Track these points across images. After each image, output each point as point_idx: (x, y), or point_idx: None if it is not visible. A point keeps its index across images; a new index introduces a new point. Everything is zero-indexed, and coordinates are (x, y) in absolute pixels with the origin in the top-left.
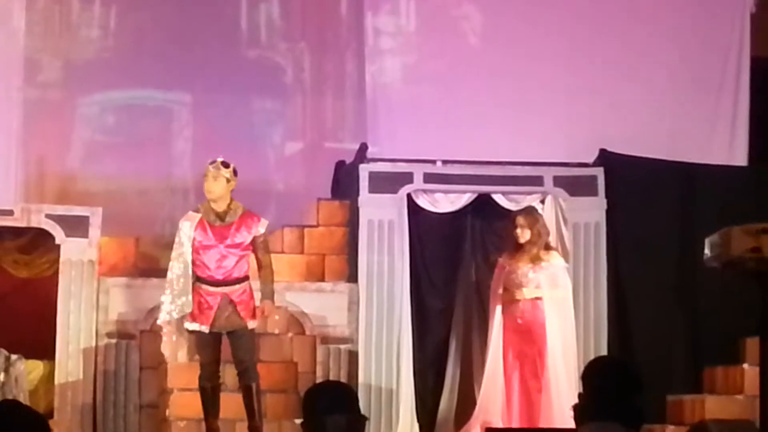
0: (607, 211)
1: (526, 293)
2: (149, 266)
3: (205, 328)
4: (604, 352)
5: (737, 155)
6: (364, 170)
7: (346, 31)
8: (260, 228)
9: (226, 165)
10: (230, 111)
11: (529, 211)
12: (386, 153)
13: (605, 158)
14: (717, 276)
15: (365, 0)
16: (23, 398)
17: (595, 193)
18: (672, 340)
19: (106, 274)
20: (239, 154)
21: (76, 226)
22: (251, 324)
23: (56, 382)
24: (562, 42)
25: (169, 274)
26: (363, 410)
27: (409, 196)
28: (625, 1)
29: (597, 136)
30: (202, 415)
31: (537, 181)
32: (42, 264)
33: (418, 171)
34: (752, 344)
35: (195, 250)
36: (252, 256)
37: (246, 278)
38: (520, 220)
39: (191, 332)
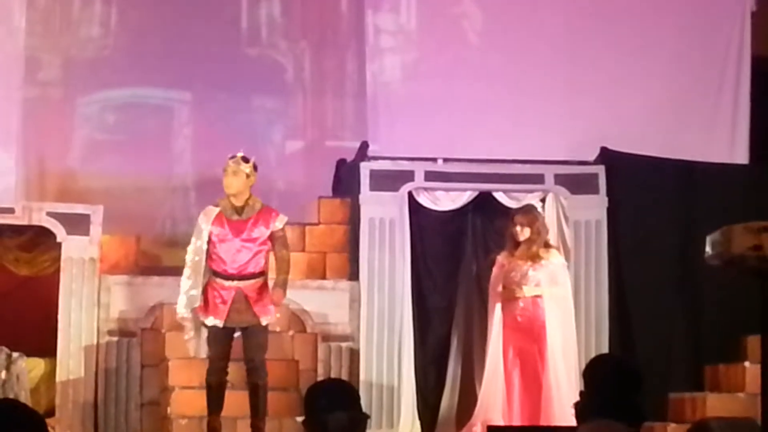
0: (608, 209)
1: (526, 291)
2: (150, 264)
3: (219, 323)
4: (605, 349)
5: (738, 153)
6: (365, 168)
7: (346, 30)
8: (278, 223)
9: (246, 160)
10: (231, 109)
11: (528, 210)
12: (387, 151)
13: (606, 156)
14: (718, 274)
15: None
16: (24, 396)
17: (596, 191)
18: (673, 337)
19: (107, 272)
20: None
21: (77, 224)
22: (264, 320)
23: (57, 379)
24: (562, 40)
25: (185, 270)
26: (364, 408)
27: (410, 194)
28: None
29: (598, 134)
30: (203, 413)
31: (538, 179)
32: (43, 262)
33: (419, 169)
34: (753, 342)
35: (212, 244)
36: (272, 254)
37: (262, 274)
38: (519, 218)
39: (209, 327)
